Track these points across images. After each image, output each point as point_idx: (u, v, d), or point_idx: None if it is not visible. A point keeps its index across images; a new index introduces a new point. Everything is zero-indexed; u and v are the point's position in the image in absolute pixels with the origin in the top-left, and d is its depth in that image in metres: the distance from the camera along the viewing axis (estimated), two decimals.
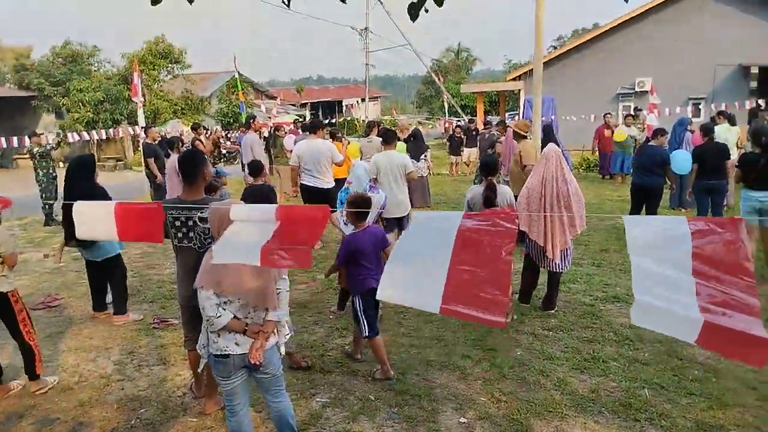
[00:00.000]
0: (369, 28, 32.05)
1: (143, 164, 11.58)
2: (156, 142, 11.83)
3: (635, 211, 8.21)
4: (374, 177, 6.67)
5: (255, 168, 6.66)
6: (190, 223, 3.60)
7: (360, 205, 4.38)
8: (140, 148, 13.47)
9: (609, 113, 16.53)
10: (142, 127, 12.83)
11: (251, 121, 11.39)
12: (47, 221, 11.14)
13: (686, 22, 22.14)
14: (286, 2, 2.68)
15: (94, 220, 3.34)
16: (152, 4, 2.83)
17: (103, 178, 6.18)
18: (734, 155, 9.29)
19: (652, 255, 2.22)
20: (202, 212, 3.51)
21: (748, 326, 1.98)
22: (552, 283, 5.67)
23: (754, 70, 21.27)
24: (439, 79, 36.71)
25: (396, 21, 28.57)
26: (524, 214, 5.33)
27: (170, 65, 28.74)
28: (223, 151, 26.87)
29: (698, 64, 21.96)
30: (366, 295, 4.30)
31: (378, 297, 2.55)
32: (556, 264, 5.41)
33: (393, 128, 18.09)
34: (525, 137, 7.55)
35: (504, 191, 5.31)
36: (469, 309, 2.41)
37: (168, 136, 17.91)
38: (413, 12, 3.14)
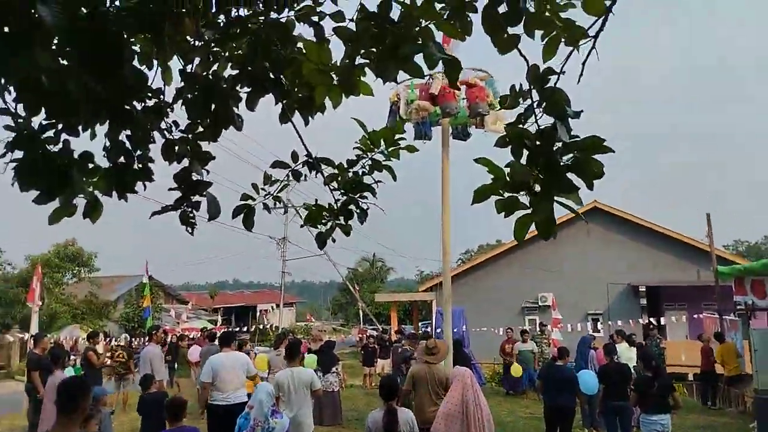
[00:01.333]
0: (287, 237, 33.08)
1: (26, 376, 10.46)
2: (46, 352, 10.83)
3: (550, 431, 8.08)
4: (277, 396, 6.29)
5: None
6: None
7: None
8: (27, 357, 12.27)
9: (510, 328, 16.84)
10: (31, 336, 11.83)
11: (154, 332, 10.76)
12: None
13: (578, 244, 24.41)
14: (190, 231, 2.67)
15: None
16: (49, 224, 2.74)
17: None
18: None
19: None
20: None
21: None
22: None
23: (642, 289, 23.26)
24: (354, 288, 37.44)
25: (313, 232, 29.73)
26: None
27: (77, 268, 27.87)
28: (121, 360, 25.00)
29: (593, 282, 23.77)
30: None
31: None
32: None
33: (306, 338, 17.79)
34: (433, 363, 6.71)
35: (406, 416, 4.98)
36: None
37: (61, 342, 16.60)
38: (320, 241, 3.23)
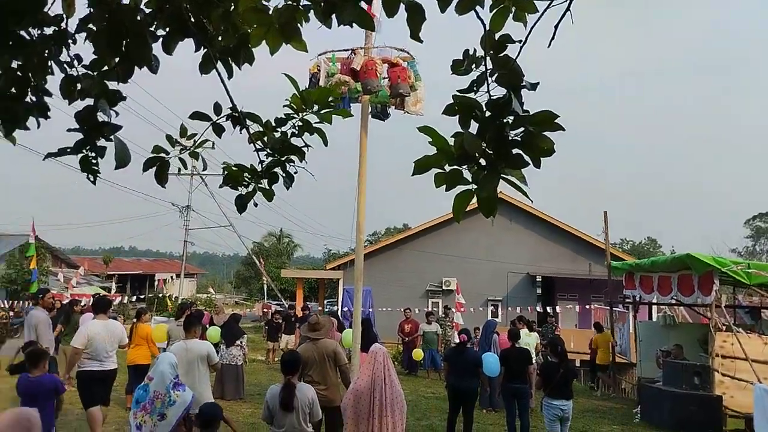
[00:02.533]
0: (191, 206, 31.74)
1: None
2: None
3: (453, 411, 8.26)
4: None
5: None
6: None
7: None
8: None
9: (408, 308, 17.04)
10: None
11: (41, 296, 9.83)
12: None
13: (481, 233, 25.20)
14: (92, 179, 2.34)
15: None
16: None
17: None
18: (534, 359, 10.05)
19: None
20: None
21: None
22: None
23: (539, 279, 24.46)
24: (259, 262, 36.68)
25: (220, 202, 28.73)
26: (351, 423, 5.00)
27: None
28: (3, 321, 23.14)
29: (493, 269, 24.70)
30: None
31: None
32: None
33: (207, 310, 17.17)
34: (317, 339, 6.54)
35: (304, 391, 4.91)
36: None
37: None
38: (240, 204, 2.97)
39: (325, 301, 30.27)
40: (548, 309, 18.26)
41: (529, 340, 10.42)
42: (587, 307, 20.04)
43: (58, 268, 33.32)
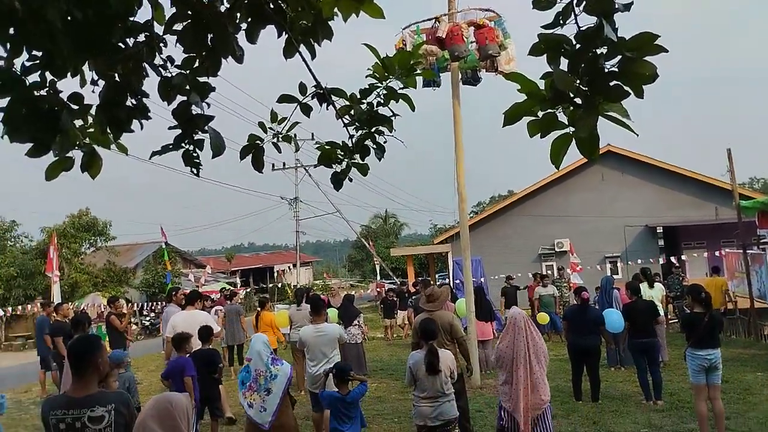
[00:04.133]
0: (299, 197, 32.94)
1: (51, 343, 10.55)
2: (68, 318, 10.91)
3: (577, 371, 8.08)
4: (301, 351, 6.35)
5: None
6: (78, 425, 3.00)
7: None
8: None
9: (537, 273, 16.70)
10: (52, 304, 11.89)
11: (173, 293, 10.70)
12: None
13: (591, 189, 24.09)
14: (195, 172, 2.47)
15: None
16: (46, 179, 2.55)
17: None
18: (659, 312, 9.51)
19: None
20: (93, 411, 2.96)
21: None
22: None
23: (660, 230, 23.01)
24: (369, 244, 37.46)
25: (325, 191, 29.62)
26: (504, 387, 5.20)
27: (93, 237, 28.04)
28: (146, 323, 25.47)
29: (609, 225, 23.54)
30: None
31: None
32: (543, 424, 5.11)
33: (324, 294, 17.82)
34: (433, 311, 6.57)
35: (446, 356, 5.19)
36: None
37: (85, 310, 16.78)
38: (336, 181, 3.02)
39: (437, 275, 30.38)
40: (673, 260, 17.15)
41: (653, 292, 9.86)
42: (717, 253, 18.59)
43: (188, 269, 35.95)
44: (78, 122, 2.48)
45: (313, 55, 2.70)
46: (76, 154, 2.57)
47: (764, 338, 13.17)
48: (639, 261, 17.89)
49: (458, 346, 6.41)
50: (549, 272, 19.00)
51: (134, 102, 2.27)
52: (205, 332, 6.81)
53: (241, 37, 2.60)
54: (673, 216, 23.18)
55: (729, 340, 13.55)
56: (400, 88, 2.73)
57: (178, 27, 2.45)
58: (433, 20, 10.14)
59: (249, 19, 2.60)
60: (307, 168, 29.92)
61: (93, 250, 28.71)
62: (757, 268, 14.30)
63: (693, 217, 23.00)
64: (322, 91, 2.63)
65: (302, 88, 2.64)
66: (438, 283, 21.81)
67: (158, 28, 2.51)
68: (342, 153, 2.94)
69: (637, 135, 1.99)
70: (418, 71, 2.74)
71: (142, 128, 2.30)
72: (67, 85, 2.27)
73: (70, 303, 13.46)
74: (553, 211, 24.40)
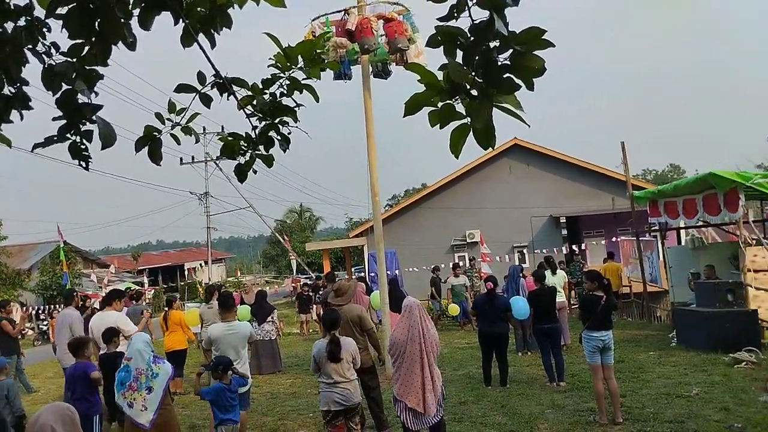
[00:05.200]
0: (209, 192, 31.93)
1: None
2: None
3: (487, 357, 8.38)
4: (208, 350, 6.28)
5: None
6: None
7: None
8: None
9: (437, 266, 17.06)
10: None
11: (73, 295, 9.95)
12: None
13: (500, 181, 25.01)
14: (84, 165, 2.33)
15: None
16: None
17: None
18: (561, 298, 10.06)
19: None
20: None
21: None
22: None
23: (563, 220, 24.28)
24: (284, 239, 36.97)
25: (237, 185, 28.81)
26: (397, 379, 5.27)
27: None
28: (43, 327, 23.88)
29: (516, 216, 24.54)
30: None
31: None
32: (432, 418, 5.24)
33: (237, 290, 17.43)
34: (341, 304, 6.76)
35: (347, 343, 5.42)
36: None
37: None
38: (240, 173, 2.95)
39: (353, 269, 30.51)
40: (574, 248, 18.15)
41: (556, 279, 10.39)
42: (614, 240, 19.86)
43: (89, 269, 34.01)
44: None
45: (213, 44, 2.62)
46: None
47: (656, 319, 14.24)
48: (545, 250, 18.77)
49: (369, 338, 6.48)
50: (461, 263, 19.52)
51: (13, 90, 2.11)
52: (108, 334, 6.52)
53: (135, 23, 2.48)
54: (574, 206, 24.51)
55: (624, 321, 14.54)
56: (303, 79, 2.70)
57: (62, 11, 2.29)
58: (343, 12, 10.11)
59: (142, 5, 2.48)
60: (217, 161, 29.02)
61: None
62: (648, 254, 15.42)
63: (592, 207, 24.43)
64: (222, 81, 2.56)
65: (201, 77, 2.56)
66: (354, 277, 21.92)
67: (40, 12, 2.35)
68: (245, 144, 2.88)
69: (529, 126, 2.07)
70: (325, 61, 2.72)
71: (22, 118, 2.13)
72: None
73: None
74: (464, 203, 25.12)
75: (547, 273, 10.06)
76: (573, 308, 13.92)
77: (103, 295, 20.11)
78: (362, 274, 23.71)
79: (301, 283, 21.11)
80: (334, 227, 77.44)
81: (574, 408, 7.04)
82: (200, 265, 47.32)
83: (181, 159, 28.99)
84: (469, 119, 2.11)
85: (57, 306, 24.92)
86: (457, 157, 2.28)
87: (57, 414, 2.52)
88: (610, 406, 6.40)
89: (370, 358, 6.53)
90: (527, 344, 10.45)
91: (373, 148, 10.24)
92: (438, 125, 2.16)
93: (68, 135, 2.22)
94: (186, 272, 48.63)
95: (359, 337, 6.27)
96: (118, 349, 6.50)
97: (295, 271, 36.94)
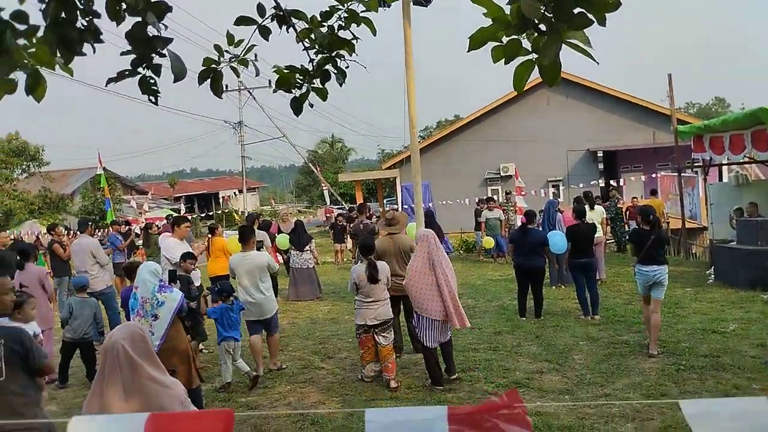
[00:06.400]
0: (243, 122, 32.04)
1: None
2: (6, 247, 10.49)
3: (522, 289, 8.54)
4: (232, 277, 6.79)
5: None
6: None
7: None
8: None
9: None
10: None
11: (88, 224, 9.91)
12: None
13: (536, 114, 24.44)
14: (154, 100, 2.39)
15: None
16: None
17: None
18: (599, 233, 10.02)
19: None
20: None
21: None
22: (448, 351, 6.06)
23: (600, 154, 23.80)
24: (316, 169, 37.19)
25: (270, 115, 28.84)
26: (417, 300, 5.81)
27: (25, 163, 26.67)
28: None
29: (553, 150, 24.13)
30: None
31: None
32: (448, 335, 5.95)
33: (273, 219, 17.77)
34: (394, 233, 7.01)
35: (383, 267, 6.06)
36: None
37: (21, 238, 16.20)
38: (296, 106, 2.98)
39: (385, 200, 30.68)
40: (612, 183, 17.87)
41: (594, 215, 10.33)
42: (653, 175, 19.46)
43: (129, 195, 34.95)
44: (21, 42, 2.34)
45: None
46: (19, 76, 2.44)
47: (693, 256, 14.13)
48: (581, 185, 18.53)
49: None
50: (495, 196, 19.44)
51: (85, 23, 2.14)
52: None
53: None
54: (613, 140, 23.94)
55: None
56: (361, 11, 2.68)
57: None
58: None
59: None
60: (251, 91, 28.96)
61: (26, 176, 27.39)
62: (689, 191, 15.13)
63: (632, 141, 23.83)
64: (281, 13, 2.55)
65: (261, 9, 2.55)
66: (387, 209, 22.08)
67: None
68: (301, 77, 2.90)
69: (598, 63, 2.04)
70: None
71: (94, 51, 2.18)
72: (9, 3, 2.11)
73: (6, 231, 12.91)
74: (499, 135, 24.74)
75: (585, 208, 9.98)
76: (608, 243, 13.90)
77: (144, 220, 20.73)
78: (395, 206, 23.83)
79: (336, 214, 21.35)
80: (365, 158, 77.43)
81: (609, 340, 7.18)
82: (234, 193, 48.18)
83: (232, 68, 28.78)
84: (534, 55, 2.09)
85: (101, 230, 25.85)
86: (520, 93, 2.28)
87: (128, 332, 2.70)
88: (645, 340, 6.53)
89: None
90: (562, 278, 10.55)
91: (411, 78, 10.07)
92: (502, 61, 2.15)
93: (139, 69, 2.27)
94: (221, 200, 49.61)
95: (406, 267, 6.52)
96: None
97: (328, 201, 37.28)
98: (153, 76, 2.32)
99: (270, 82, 27.89)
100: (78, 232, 10.15)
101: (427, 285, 5.71)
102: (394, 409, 2.00)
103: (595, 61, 2.00)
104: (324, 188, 35.93)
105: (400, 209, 18.21)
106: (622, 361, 6.41)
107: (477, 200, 16.53)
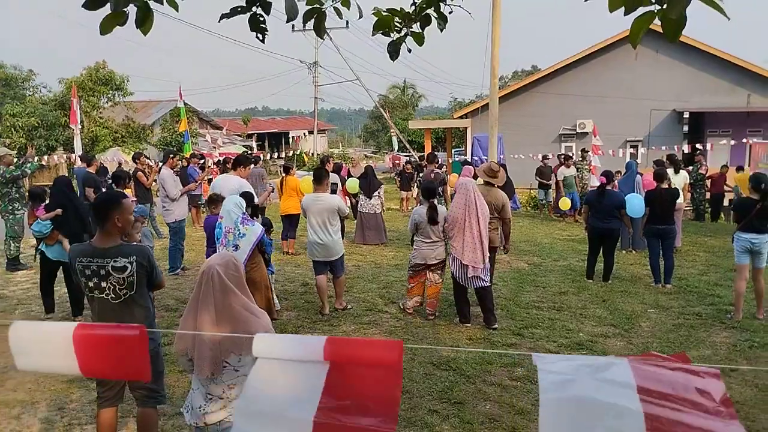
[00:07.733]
0: (318, 62, 32.04)
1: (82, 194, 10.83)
2: (96, 171, 11.14)
3: (593, 251, 8.35)
4: (304, 216, 7.01)
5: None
6: (102, 272, 3.25)
7: None
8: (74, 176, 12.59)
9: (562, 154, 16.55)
10: (78, 156, 12.09)
11: (170, 156, 10.28)
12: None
13: (621, 69, 23.12)
14: (261, 38, 2.42)
15: (42, 349, 2.04)
16: (101, 34, 2.52)
17: None
18: (680, 199, 9.57)
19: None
20: (116, 261, 3.21)
21: None
22: (484, 300, 6.35)
23: (686, 115, 22.41)
24: (386, 114, 36.98)
25: (346, 56, 28.71)
26: (455, 242, 6.21)
27: (111, 92, 27.80)
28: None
29: (635, 108, 22.93)
30: None
31: None
32: (481, 279, 6.21)
33: (343, 162, 17.95)
34: (492, 185, 6.99)
35: (442, 211, 6.43)
36: None
37: (105, 165, 17.06)
38: (393, 50, 2.95)
39: (453, 151, 30.31)
40: (698, 146, 16.91)
41: (677, 179, 9.86)
42: (743, 141, 18.24)
43: (204, 129, 35.98)
44: None
45: None
46: (130, 9, 2.52)
47: None
48: (664, 147, 17.63)
49: (503, 225, 6.91)
50: (570, 153, 18.82)
51: None
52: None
53: None
54: (702, 101, 22.47)
55: None
56: None
57: None
58: None
59: None
60: (328, 31, 28.73)
61: (111, 105, 28.59)
62: None
63: (722, 104, 22.30)
64: None
65: None
66: (454, 160, 21.83)
67: None
68: (400, 21, 2.85)
69: (729, 18, 1.90)
70: None
71: None
72: None
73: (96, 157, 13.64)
74: (579, 90, 23.69)
75: (669, 171, 9.56)
76: (686, 210, 13.30)
77: (218, 155, 21.34)
78: (464, 156, 23.52)
79: (404, 161, 21.29)
80: (434, 106, 76.25)
81: (680, 311, 6.99)
82: (304, 134, 48.71)
83: (293, 26, 28.87)
84: (657, 6, 1.97)
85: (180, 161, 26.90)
86: (634, 46, 2.16)
87: (222, 259, 2.85)
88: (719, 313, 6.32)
89: (497, 239, 6.91)
90: (635, 243, 10.23)
91: (498, 22, 9.75)
92: (622, 9, 2.04)
93: (252, 7, 2.29)
94: (291, 140, 50.32)
95: (494, 221, 6.72)
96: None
97: (396, 147, 37.17)
98: (263, 14, 2.35)
99: (347, 23, 27.58)
100: (160, 163, 10.65)
101: (459, 229, 6.12)
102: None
103: (726, 16, 1.87)
104: (393, 134, 35.78)
105: (470, 160, 17.97)
106: (692, 332, 6.24)
107: (542, 157, 16.01)
